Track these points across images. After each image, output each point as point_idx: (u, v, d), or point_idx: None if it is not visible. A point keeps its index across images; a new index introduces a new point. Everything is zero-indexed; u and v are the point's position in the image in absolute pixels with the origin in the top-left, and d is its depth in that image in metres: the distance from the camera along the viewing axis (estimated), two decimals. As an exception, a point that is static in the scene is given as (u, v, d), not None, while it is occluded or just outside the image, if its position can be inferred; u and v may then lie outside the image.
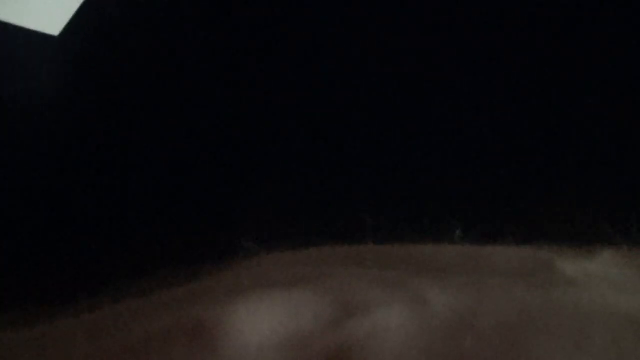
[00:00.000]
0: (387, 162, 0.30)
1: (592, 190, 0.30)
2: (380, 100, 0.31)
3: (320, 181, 0.30)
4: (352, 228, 0.28)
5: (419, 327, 0.24)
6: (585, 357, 0.23)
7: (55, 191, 0.31)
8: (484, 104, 0.31)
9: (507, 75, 0.31)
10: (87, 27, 0.32)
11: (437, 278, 0.25)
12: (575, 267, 0.26)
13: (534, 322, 0.24)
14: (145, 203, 0.31)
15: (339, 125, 0.31)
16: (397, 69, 0.32)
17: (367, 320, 0.24)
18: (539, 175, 0.30)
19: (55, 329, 0.25)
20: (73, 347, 0.24)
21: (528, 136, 0.30)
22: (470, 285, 0.25)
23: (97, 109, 0.32)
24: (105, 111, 0.32)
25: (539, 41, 0.31)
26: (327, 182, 0.30)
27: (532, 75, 0.31)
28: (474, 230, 0.27)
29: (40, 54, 0.32)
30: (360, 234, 0.27)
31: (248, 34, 0.32)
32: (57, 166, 0.31)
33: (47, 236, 0.30)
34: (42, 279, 0.29)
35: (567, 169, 0.30)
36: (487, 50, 0.31)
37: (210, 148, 0.31)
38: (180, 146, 0.32)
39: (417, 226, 0.27)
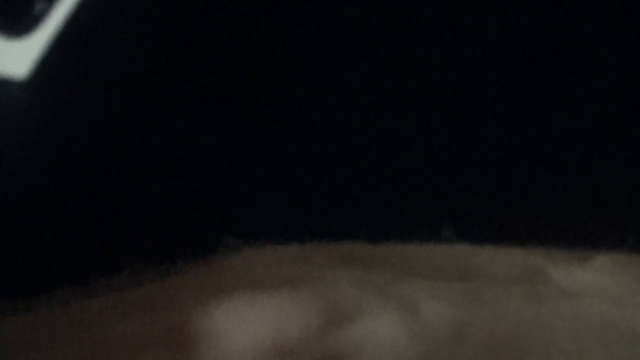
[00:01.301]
0: (377, 159, 0.29)
1: (587, 193, 0.29)
2: (369, 98, 0.30)
3: (307, 176, 0.29)
4: (341, 225, 0.27)
5: (409, 337, 0.23)
6: None
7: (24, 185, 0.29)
8: (478, 105, 0.30)
9: (499, 75, 0.30)
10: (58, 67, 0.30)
11: (428, 282, 0.24)
12: (570, 276, 0.25)
13: (528, 336, 0.23)
14: (116, 194, 0.29)
15: (327, 121, 0.30)
16: (382, 67, 0.30)
17: (356, 328, 0.23)
18: (532, 175, 0.29)
19: (15, 329, 0.24)
20: (34, 351, 0.23)
21: (521, 138, 0.29)
22: (463, 294, 0.24)
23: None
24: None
25: (530, 37, 0.30)
26: (314, 177, 0.29)
27: (524, 75, 0.30)
28: (466, 230, 0.26)
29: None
30: (349, 232, 0.26)
31: (243, 33, 0.31)
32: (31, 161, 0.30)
33: (11, 230, 0.28)
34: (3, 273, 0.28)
35: (561, 171, 0.29)
36: (477, 47, 0.30)
37: (190, 141, 0.30)
38: (156, 138, 0.30)
39: (408, 225, 0.26)
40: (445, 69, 0.30)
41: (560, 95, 0.30)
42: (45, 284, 0.24)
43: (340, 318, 0.23)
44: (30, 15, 0.30)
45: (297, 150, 0.29)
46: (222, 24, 0.31)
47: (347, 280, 0.24)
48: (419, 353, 0.23)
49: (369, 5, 0.30)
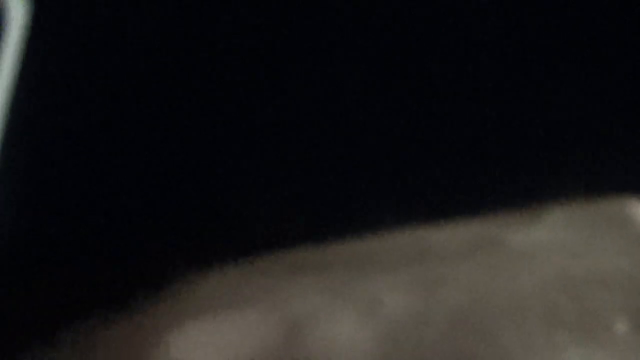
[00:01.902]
0: (301, 150, 0.29)
1: (528, 149, 0.28)
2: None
3: (240, 185, 0.29)
4: (287, 232, 0.27)
5: (374, 332, 0.23)
6: (554, 330, 0.22)
7: None
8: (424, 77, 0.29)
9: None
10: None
11: (384, 274, 0.24)
12: (524, 237, 0.25)
13: (493, 304, 0.23)
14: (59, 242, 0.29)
15: (265, 127, 0.29)
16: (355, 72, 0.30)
17: (317, 333, 0.23)
18: (470, 140, 0.29)
19: None
20: None
21: (457, 105, 0.29)
22: (420, 277, 0.24)
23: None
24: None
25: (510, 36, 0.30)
26: (247, 185, 0.29)
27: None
28: (411, 211, 0.26)
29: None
30: (296, 237, 0.25)
31: (241, 32, 0.30)
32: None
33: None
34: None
35: (500, 129, 0.28)
36: (461, 47, 0.30)
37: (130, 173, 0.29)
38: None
39: (351, 218, 0.26)
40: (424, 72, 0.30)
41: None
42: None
43: (300, 325, 0.23)
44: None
45: (229, 163, 0.29)
46: (217, 24, 0.30)
47: (302, 288, 0.24)
48: (386, 346, 0.22)
49: (366, 6, 0.30)
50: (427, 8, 0.30)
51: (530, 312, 0.23)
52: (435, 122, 0.29)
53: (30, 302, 0.28)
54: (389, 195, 0.28)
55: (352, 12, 0.30)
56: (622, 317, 0.23)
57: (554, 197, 0.26)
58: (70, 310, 0.25)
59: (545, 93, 0.29)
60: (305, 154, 0.29)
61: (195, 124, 0.30)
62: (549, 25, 0.30)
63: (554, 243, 0.25)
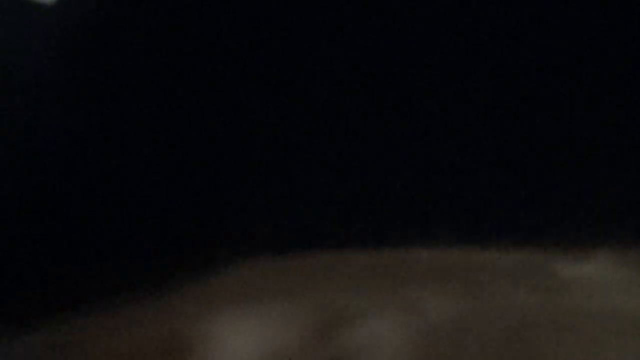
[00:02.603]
0: (370, 162, 0.29)
1: (585, 189, 0.28)
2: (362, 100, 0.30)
3: (298, 185, 0.29)
4: (337, 234, 0.27)
5: (414, 335, 0.22)
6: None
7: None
8: (470, 100, 0.30)
9: (493, 72, 0.29)
10: None
11: (430, 284, 0.24)
12: (574, 269, 0.24)
13: (536, 326, 0.22)
14: (106, 212, 0.28)
15: (314, 126, 0.30)
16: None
17: (357, 330, 0.22)
18: (530, 173, 0.29)
19: (11, 349, 0.23)
20: None
21: (516, 134, 0.29)
22: (466, 290, 0.23)
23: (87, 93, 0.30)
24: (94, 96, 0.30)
25: (518, 40, 0.30)
26: (306, 185, 0.29)
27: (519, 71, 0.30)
28: (465, 233, 0.26)
29: (33, 25, 0.30)
30: (345, 240, 0.25)
31: (239, 31, 0.31)
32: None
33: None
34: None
35: (559, 167, 0.28)
36: (476, 48, 0.30)
37: (177, 154, 0.29)
38: (145, 151, 0.30)
39: (405, 230, 0.26)
40: (439, 69, 0.30)
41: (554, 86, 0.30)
42: (40, 304, 0.23)
43: (340, 321, 0.22)
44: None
45: (286, 161, 0.29)
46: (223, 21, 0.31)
47: (345, 286, 0.24)
48: (426, 349, 0.22)
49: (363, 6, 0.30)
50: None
51: (573, 340, 0.22)
52: (495, 144, 0.29)
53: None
54: (444, 212, 0.28)
55: (351, 12, 0.31)
56: None
57: (603, 240, 0.26)
58: (97, 284, 0.25)
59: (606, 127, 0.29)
60: (372, 158, 0.29)
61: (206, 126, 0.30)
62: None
63: (603, 279, 0.24)
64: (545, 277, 0.24)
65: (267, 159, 0.29)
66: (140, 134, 0.30)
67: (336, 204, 0.28)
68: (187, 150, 0.29)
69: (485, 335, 0.22)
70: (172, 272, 0.24)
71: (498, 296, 0.23)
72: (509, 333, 0.22)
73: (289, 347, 0.22)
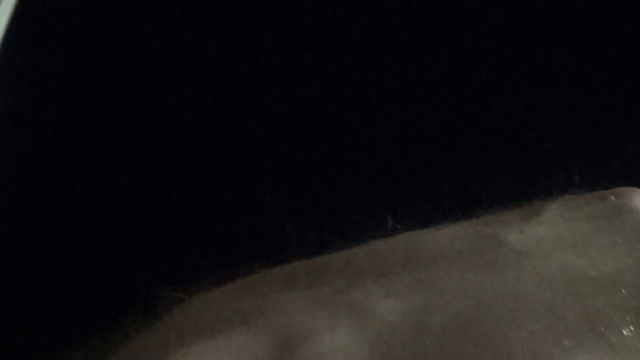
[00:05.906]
0: (292, 159, 0.28)
1: (525, 144, 0.27)
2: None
3: (227, 199, 0.28)
4: (275, 245, 0.26)
5: (369, 343, 0.22)
6: (561, 334, 0.21)
7: None
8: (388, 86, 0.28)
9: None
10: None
11: (378, 282, 0.23)
12: (523, 235, 0.24)
13: (494, 307, 0.22)
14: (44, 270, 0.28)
15: (244, 137, 0.29)
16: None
17: (311, 349, 0.22)
18: (465, 139, 0.28)
19: None
20: None
21: (444, 107, 0.28)
22: (417, 282, 0.23)
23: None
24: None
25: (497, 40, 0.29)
26: (234, 198, 0.28)
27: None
28: (408, 216, 0.25)
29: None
30: (285, 250, 0.24)
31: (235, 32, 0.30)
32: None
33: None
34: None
35: (497, 129, 0.27)
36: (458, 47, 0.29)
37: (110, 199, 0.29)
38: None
39: (343, 227, 0.25)
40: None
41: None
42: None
43: (293, 343, 0.22)
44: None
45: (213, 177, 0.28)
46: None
47: (293, 302, 0.23)
48: (384, 354, 0.21)
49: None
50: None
51: (533, 315, 0.22)
52: (430, 123, 0.28)
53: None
54: (383, 200, 0.27)
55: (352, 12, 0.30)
56: (630, 317, 0.22)
57: (552, 192, 0.25)
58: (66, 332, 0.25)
59: (539, 88, 0.28)
60: (295, 162, 0.28)
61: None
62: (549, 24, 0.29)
63: (554, 239, 0.23)
64: (494, 250, 0.23)
65: (211, 176, 0.28)
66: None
67: (266, 215, 0.27)
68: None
69: (441, 327, 0.21)
70: (118, 321, 0.24)
71: (449, 282, 0.22)
72: (466, 320, 0.22)
73: None
